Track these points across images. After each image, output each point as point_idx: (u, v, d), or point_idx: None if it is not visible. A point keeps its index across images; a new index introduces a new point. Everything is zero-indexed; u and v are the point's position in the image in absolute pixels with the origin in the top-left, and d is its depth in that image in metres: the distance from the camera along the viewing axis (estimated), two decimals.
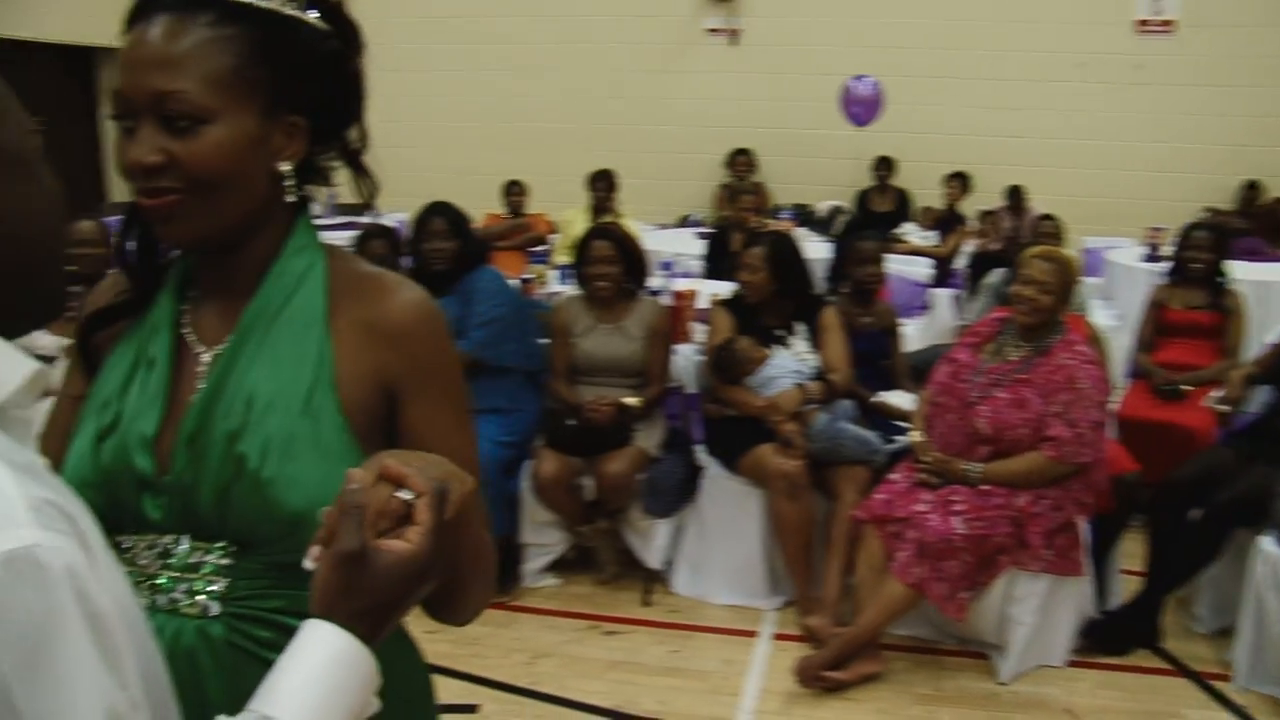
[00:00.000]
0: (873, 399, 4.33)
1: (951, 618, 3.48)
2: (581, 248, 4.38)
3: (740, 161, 9.36)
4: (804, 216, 8.57)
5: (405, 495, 0.97)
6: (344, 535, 0.93)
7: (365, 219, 6.46)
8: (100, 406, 1.21)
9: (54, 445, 1.23)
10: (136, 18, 1.15)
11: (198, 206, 1.15)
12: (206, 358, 1.21)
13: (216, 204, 1.16)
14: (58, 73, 10.10)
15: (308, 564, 0.96)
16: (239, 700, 0.92)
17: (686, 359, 4.51)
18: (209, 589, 1.16)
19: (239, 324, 1.21)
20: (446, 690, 3.50)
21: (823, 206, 8.94)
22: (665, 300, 4.82)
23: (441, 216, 4.35)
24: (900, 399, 4.33)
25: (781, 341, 4.21)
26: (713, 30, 9.64)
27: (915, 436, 3.77)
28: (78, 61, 10.31)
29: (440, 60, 10.21)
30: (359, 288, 1.25)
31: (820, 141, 9.43)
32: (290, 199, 1.22)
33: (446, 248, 4.30)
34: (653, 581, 4.24)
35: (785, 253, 4.28)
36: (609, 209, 7.82)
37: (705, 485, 4.23)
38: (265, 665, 1.05)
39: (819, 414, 3.99)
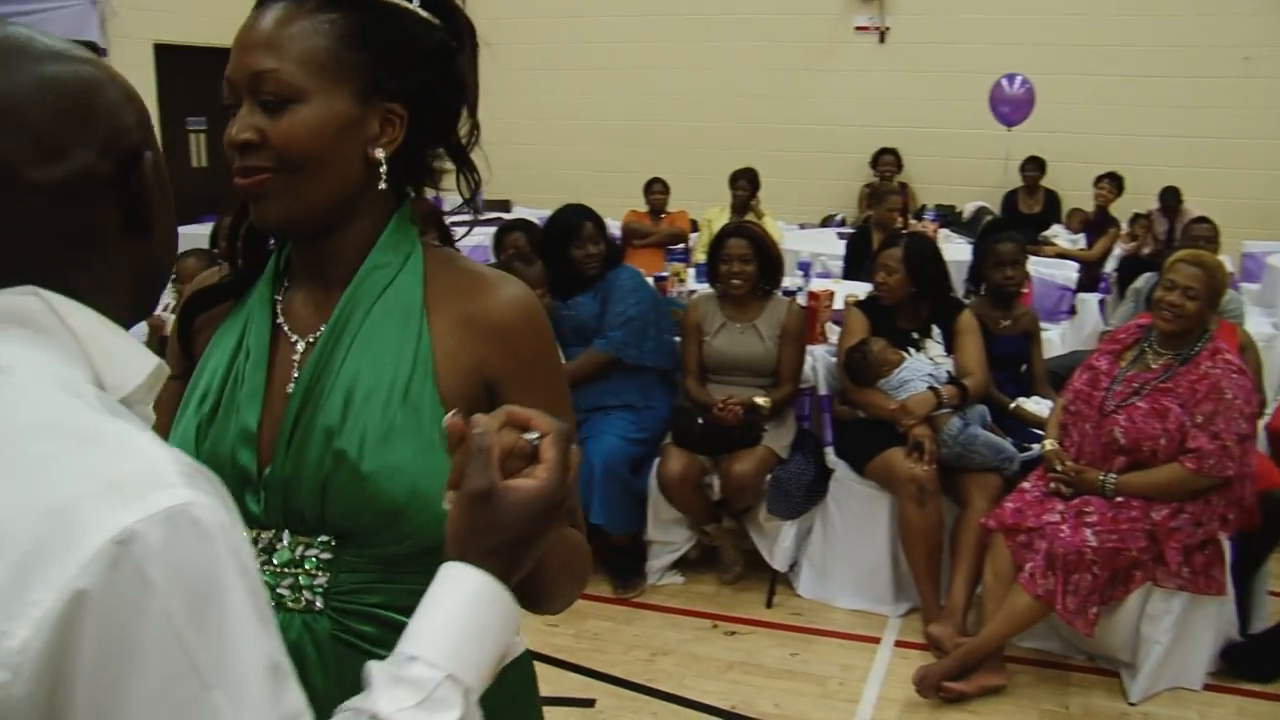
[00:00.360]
0: (1010, 405, 4.23)
1: (1081, 633, 3.38)
2: (716, 245, 4.39)
3: (885, 161, 9.23)
4: (948, 218, 8.41)
5: (530, 437, 0.99)
6: (472, 475, 0.95)
7: (508, 215, 6.61)
8: (201, 397, 1.22)
9: (157, 426, 1.26)
10: (255, 8, 1.18)
11: (286, 186, 1.15)
12: (300, 346, 1.22)
13: (305, 185, 1.16)
14: (218, 76, 10.54)
15: (445, 505, 0.97)
16: (344, 693, 0.93)
17: (820, 360, 4.48)
18: (313, 584, 1.17)
19: (334, 314, 1.21)
20: (564, 684, 3.58)
21: (968, 208, 8.75)
22: (800, 300, 4.78)
23: (591, 220, 4.43)
24: (1038, 405, 4.22)
25: (916, 344, 4.15)
26: (861, 28, 9.52)
27: (1049, 445, 3.67)
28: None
29: (585, 58, 10.31)
30: (457, 283, 1.24)
31: (967, 141, 9.22)
32: (382, 186, 1.20)
33: (598, 252, 4.38)
34: (777, 583, 4.23)
35: (923, 254, 4.21)
36: (751, 208, 7.81)
37: (834, 488, 4.20)
38: (367, 650, 1.09)
39: (952, 419, 3.92)
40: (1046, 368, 4.50)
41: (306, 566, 1.17)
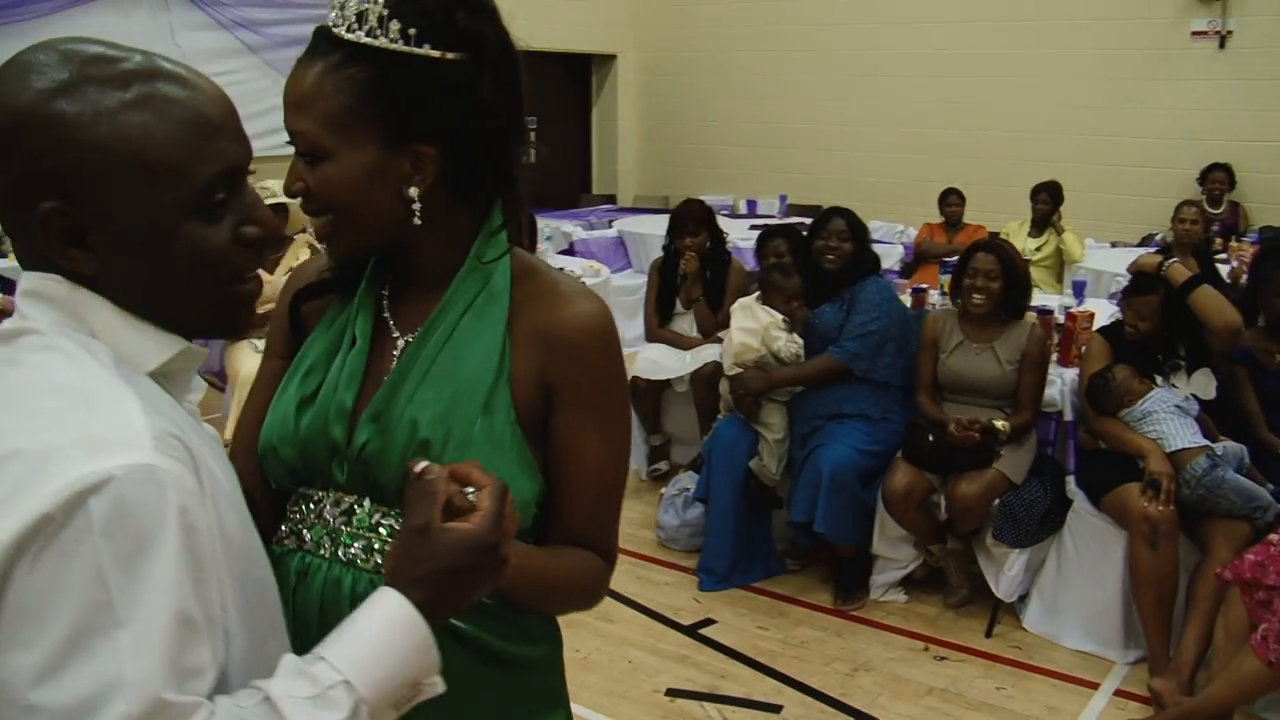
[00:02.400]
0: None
1: None
2: (963, 260, 4.26)
3: (1215, 178, 8.46)
4: (1274, 240, 7.66)
5: (468, 491, 1.09)
6: (415, 512, 1.05)
7: (787, 220, 6.65)
8: (305, 373, 1.35)
9: (260, 396, 1.42)
10: (298, 62, 1.27)
11: (340, 228, 1.29)
12: (400, 342, 1.34)
13: (353, 226, 1.28)
14: (559, 78, 11.15)
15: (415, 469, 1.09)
16: None
17: (1070, 383, 4.25)
18: (384, 548, 1.29)
19: (430, 316, 1.32)
20: (757, 686, 3.60)
21: None
22: (1059, 319, 4.56)
23: (842, 218, 4.46)
24: None
25: (1164, 373, 3.86)
26: (1198, 33, 8.82)
27: None
28: (577, 68, 11.32)
29: (890, 66, 10.12)
30: (537, 293, 1.33)
31: None
32: (417, 222, 1.27)
33: (841, 248, 4.38)
34: (1000, 612, 4.06)
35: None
36: (1051, 223, 7.46)
37: (1071, 519, 3.98)
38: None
39: (1199, 457, 3.62)
40: None
41: (381, 532, 1.29)
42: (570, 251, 8.24)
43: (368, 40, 1.21)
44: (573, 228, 8.98)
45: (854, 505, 4.19)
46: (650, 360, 5.48)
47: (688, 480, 4.87)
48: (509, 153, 1.32)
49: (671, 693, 3.64)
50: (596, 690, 3.66)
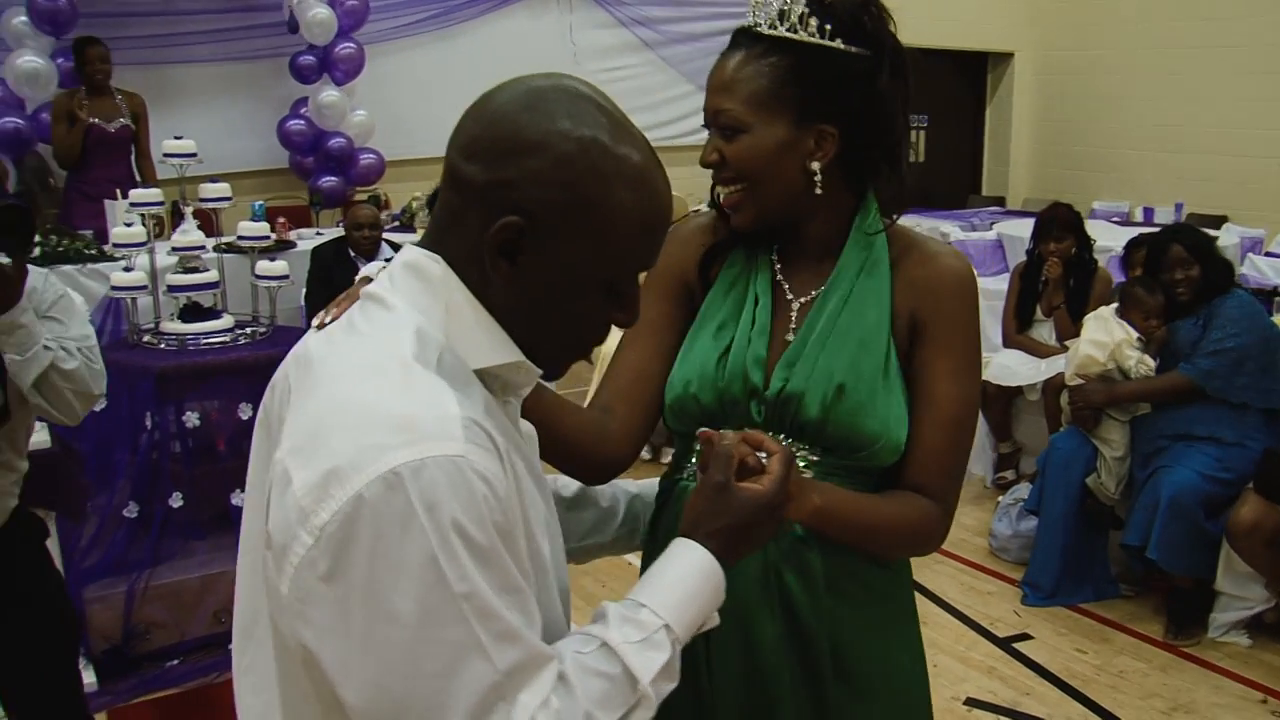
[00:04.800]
0: None
1: None
2: None
3: None
4: None
5: (761, 455, 1.25)
6: (714, 470, 1.21)
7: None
8: (717, 329, 1.55)
9: (647, 343, 1.58)
10: (721, 55, 1.50)
11: (748, 197, 1.49)
12: (796, 305, 1.55)
13: (761, 195, 1.49)
14: (950, 75, 10.94)
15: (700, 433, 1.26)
16: (825, 568, 1.46)
17: None
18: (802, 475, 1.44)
19: (829, 280, 1.53)
20: (1062, 710, 3.51)
21: None
22: None
23: (1178, 243, 4.17)
24: None
25: None
26: None
27: None
28: (971, 66, 11.06)
29: None
30: (912, 252, 1.54)
31: None
32: (818, 192, 1.47)
33: (1188, 277, 4.13)
34: None
35: None
36: None
37: None
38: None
39: None
40: None
41: (798, 464, 1.44)
42: None
43: (788, 34, 1.43)
44: (952, 228, 8.80)
45: (1195, 535, 3.91)
46: (1003, 366, 5.36)
47: (1026, 491, 4.72)
48: (896, 139, 1.51)
49: (970, 702, 3.58)
50: None
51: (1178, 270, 4.13)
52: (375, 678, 0.93)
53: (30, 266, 2.23)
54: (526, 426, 1.23)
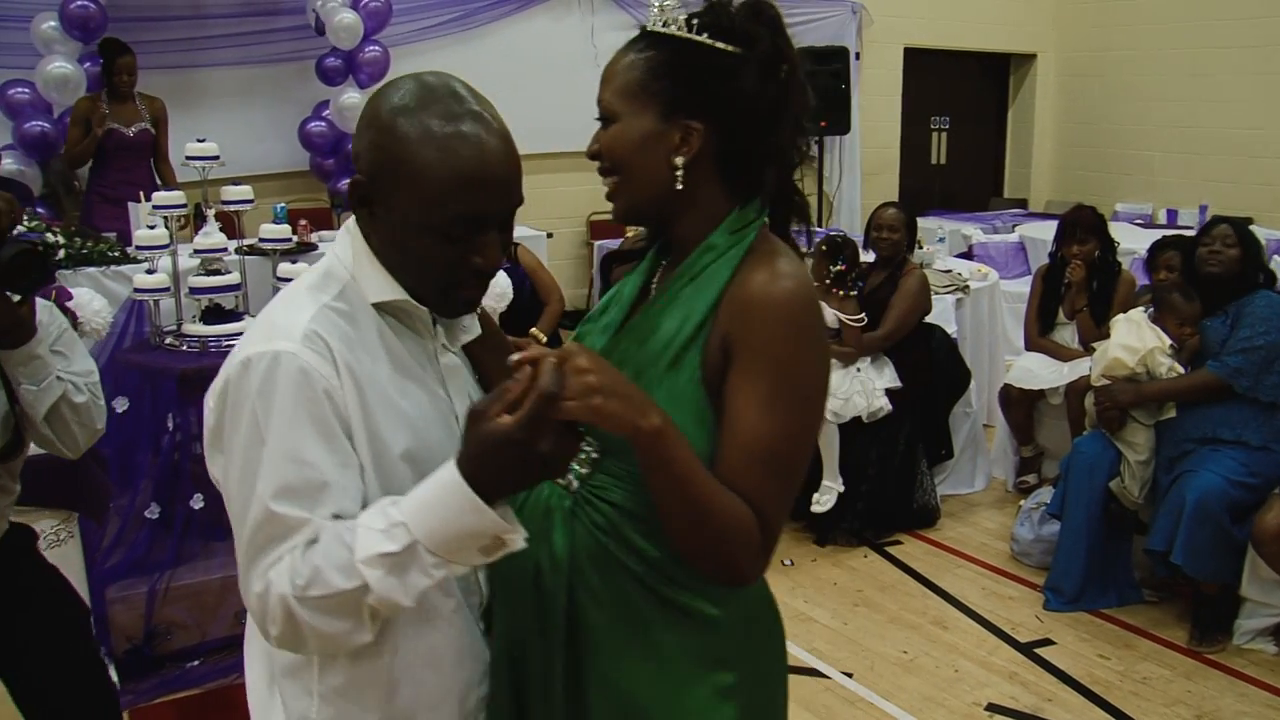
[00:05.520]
0: None
1: None
2: None
3: None
4: None
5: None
6: (482, 400, 1.27)
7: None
8: (583, 323, 1.61)
9: None
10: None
11: (619, 186, 1.51)
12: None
13: (630, 187, 1.50)
14: (973, 77, 10.91)
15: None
16: (573, 551, 1.44)
17: None
18: (579, 470, 1.47)
19: (668, 283, 1.49)
20: (1085, 716, 3.50)
21: None
22: None
23: (1229, 225, 4.20)
24: None
25: None
26: None
27: None
28: (993, 67, 11.02)
29: None
30: (746, 269, 1.43)
31: None
32: (679, 187, 1.45)
33: (1226, 253, 4.10)
34: None
35: None
36: None
37: None
38: (595, 534, 1.45)
39: None
40: None
41: (580, 458, 1.46)
42: (969, 255, 8.04)
43: (661, 29, 1.47)
44: (973, 230, 8.77)
45: (1220, 540, 3.87)
46: (1025, 369, 5.33)
47: (1048, 495, 4.69)
48: (774, 146, 1.48)
49: (992, 708, 3.56)
50: (915, 694, 3.64)
51: (1219, 243, 4.10)
52: (231, 490, 1.36)
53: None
54: (450, 358, 1.53)
